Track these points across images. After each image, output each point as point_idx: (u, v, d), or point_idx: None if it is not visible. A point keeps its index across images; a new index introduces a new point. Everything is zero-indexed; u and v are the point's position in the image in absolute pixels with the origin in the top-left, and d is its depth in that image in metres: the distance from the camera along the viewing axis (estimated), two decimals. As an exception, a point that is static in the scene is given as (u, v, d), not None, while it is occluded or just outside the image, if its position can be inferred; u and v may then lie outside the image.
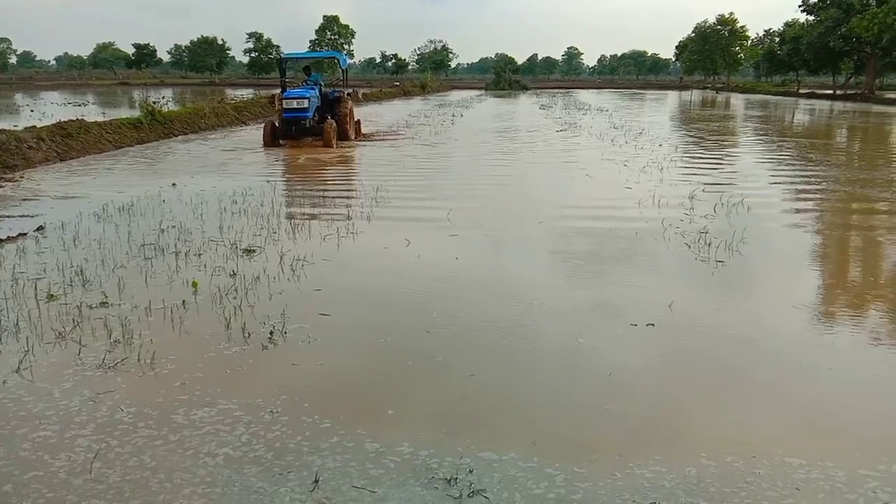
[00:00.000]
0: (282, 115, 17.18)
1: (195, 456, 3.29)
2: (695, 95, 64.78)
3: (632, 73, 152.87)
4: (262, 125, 18.09)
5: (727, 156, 16.09)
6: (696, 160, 14.66)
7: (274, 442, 3.41)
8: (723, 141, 19.68)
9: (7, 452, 3.32)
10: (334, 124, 17.02)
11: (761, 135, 21.75)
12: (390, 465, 3.21)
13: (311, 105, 16.98)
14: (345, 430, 3.51)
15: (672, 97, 60.83)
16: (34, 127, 15.84)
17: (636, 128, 22.17)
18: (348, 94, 18.82)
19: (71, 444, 3.38)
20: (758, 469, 3.17)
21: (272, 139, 17.12)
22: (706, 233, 7.63)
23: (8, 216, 8.74)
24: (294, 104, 16.92)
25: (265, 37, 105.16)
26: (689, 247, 7.14)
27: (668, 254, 6.98)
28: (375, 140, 19.25)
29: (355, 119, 19.40)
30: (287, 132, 17.36)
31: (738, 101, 52.21)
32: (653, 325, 4.96)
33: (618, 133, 20.35)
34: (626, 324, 4.99)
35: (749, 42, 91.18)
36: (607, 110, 34.02)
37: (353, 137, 18.57)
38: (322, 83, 18.79)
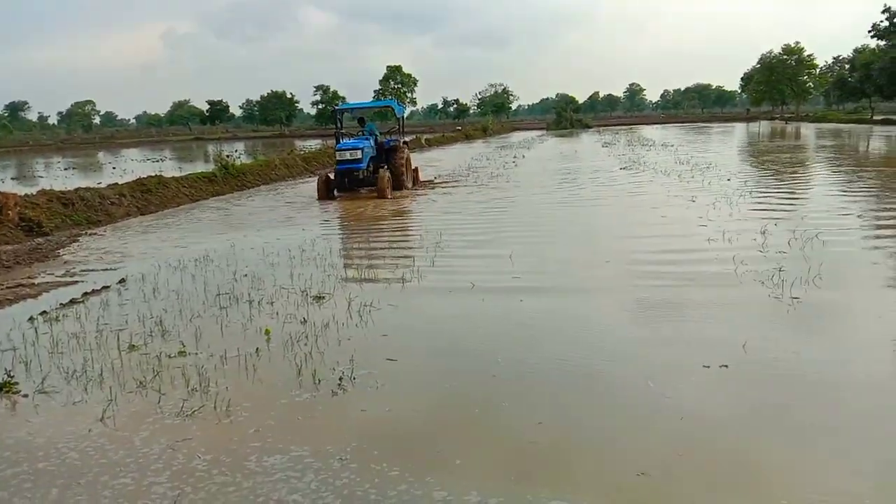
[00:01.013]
0: (336, 168, 17.08)
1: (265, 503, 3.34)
2: (763, 127, 63.29)
3: (696, 106, 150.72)
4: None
5: (799, 188, 15.62)
6: (767, 194, 14.26)
7: (342, 489, 3.44)
8: (794, 173, 19.12)
9: (89, 499, 3.44)
10: (388, 174, 16.61)
11: (835, 165, 21.04)
12: (460, 513, 3.19)
13: (364, 155, 16.70)
14: (413, 478, 3.51)
15: (739, 129, 59.64)
16: (116, 184, 16.74)
17: (703, 162, 21.78)
18: (405, 143, 18.49)
19: (148, 492, 3.49)
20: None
21: (326, 192, 16.85)
22: (781, 270, 7.36)
23: (92, 269, 9.19)
24: (347, 155, 16.72)
25: (331, 88, 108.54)
26: (763, 283, 6.93)
27: (741, 291, 6.78)
28: (435, 187, 18.73)
29: (412, 167, 18.98)
30: (341, 184, 17.08)
31: (808, 130, 50.75)
32: (726, 366, 4.81)
33: (684, 168, 20.03)
34: (699, 365, 4.86)
35: (817, 70, 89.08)
36: (672, 145, 33.59)
37: (409, 186, 18.08)
38: (378, 133, 18.42)
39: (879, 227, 10.42)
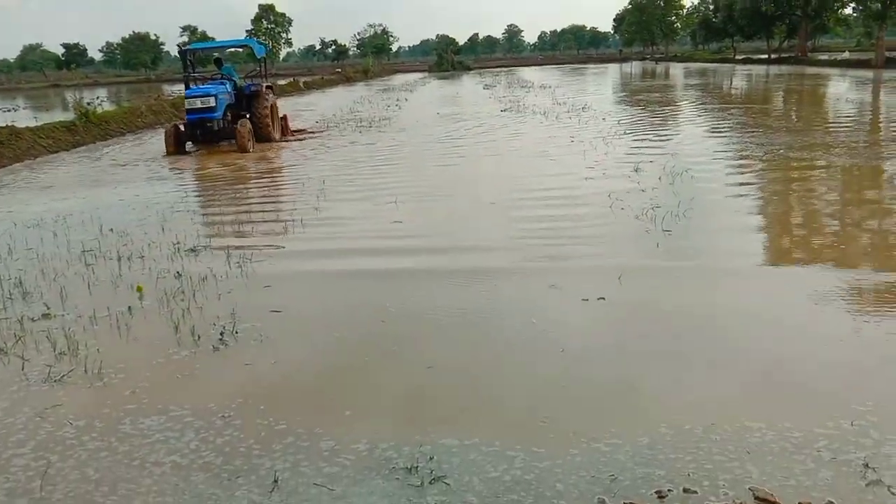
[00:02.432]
0: (186, 118, 14.71)
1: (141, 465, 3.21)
2: (635, 67, 65.59)
3: (572, 48, 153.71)
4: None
5: (669, 127, 16.33)
6: (640, 133, 14.83)
7: (223, 447, 3.34)
8: (664, 112, 19.97)
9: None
10: (249, 125, 14.64)
11: (701, 104, 22.12)
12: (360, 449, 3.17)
13: (219, 103, 14.41)
14: (302, 429, 3.46)
15: (613, 70, 61.49)
16: (-40, 135, 15.20)
17: (579, 103, 22.34)
18: (268, 87, 16.43)
19: (8, 465, 3.26)
20: (714, 435, 3.22)
21: (176, 145, 14.59)
22: (654, 207, 7.68)
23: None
24: (198, 103, 14.36)
25: (199, 30, 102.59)
26: (637, 218, 7.23)
27: (617, 225, 7.06)
28: (306, 138, 16.89)
29: (279, 115, 16.93)
30: (194, 137, 14.80)
31: (677, 70, 53.07)
32: (603, 299, 5.00)
33: (562, 109, 20.46)
34: (578, 300, 5.02)
35: (684, 11, 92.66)
36: (550, 87, 34.18)
37: (276, 138, 15.99)
38: (236, 77, 16.10)
39: (741, 160, 11.07)
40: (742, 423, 3.30)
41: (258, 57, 17.00)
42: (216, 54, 19.44)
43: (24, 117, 26.32)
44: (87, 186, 11.35)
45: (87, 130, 18.60)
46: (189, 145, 15.08)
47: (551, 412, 3.53)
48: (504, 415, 3.55)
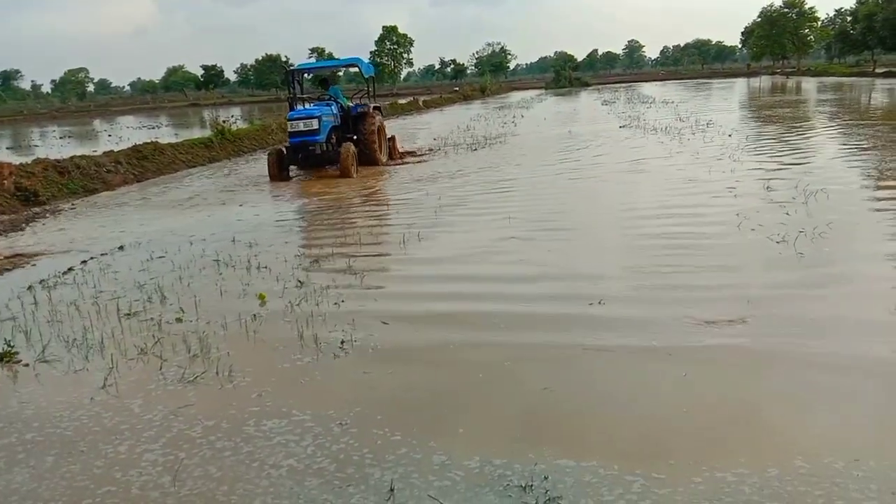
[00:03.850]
0: (289, 141, 13.94)
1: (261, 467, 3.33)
2: (763, 82, 62.63)
3: (696, 62, 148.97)
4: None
5: (800, 144, 15.44)
6: (769, 149, 14.11)
7: (338, 454, 3.42)
8: (795, 128, 18.92)
9: (82, 468, 3.42)
10: (353, 148, 13.76)
11: (836, 120, 20.80)
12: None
13: (322, 126, 13.64)
14: (416, 442, 3.49)
15: (740, 85, 59.00)
16: (112, 151, 16.58)
17: (704, 119, 21.55)
18: (375, 108, 15.51)
19: (140, 459, 3.47)
20: (856, 472, 2.98)
21: (279, 171, 13.83)
22: (785, 224, 7.29)
23: (90, 237, 9.12)
24: (300, 126, 13.61)
25: (326, 51, 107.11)
26: (770, 238, 6.86)
27: (747, 247, 6.72)
28: (415, 159, 16.19)
29: (387, 136, 16.07)
30: (296, 161, 14.04)
31: (809, 84, 50.18)
32: (733, 321, 4.76)
33: (685, 125, 19.81)
34: (703, 321, 4.81)
35: (819, 23, 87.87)
36: (672, 102, 33.21)
37: (383, 161, 15.22)
38: (343, 98, 15.38)
39: (882, 181, 10.28)
40: (892, 461, 3.05)
41: (366, 76, 16.35)
42: (323, 74, 19.35)
43: (166, 134, 28.40)
44: (210, 204, 11.67)
45: (223, 147, 19.80)
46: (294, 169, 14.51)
47: (673, 438, 3.39)
48: (622, 439, 3.43)
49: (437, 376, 4.34)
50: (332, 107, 14.49)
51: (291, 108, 14.61)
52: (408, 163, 15.81)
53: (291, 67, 16.24)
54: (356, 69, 17.55)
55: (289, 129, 13.85)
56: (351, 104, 15.18)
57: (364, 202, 11.30)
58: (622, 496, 2.92)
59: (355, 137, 14.52)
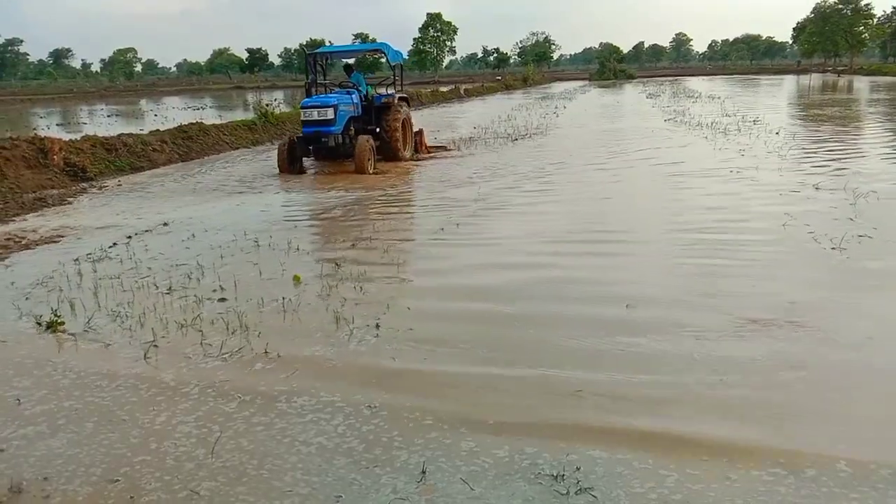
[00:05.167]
0: (302, 131, 12.85)
1: (291, 443, 3.37)
2: (814, 80, 61.00)
3: (745, 58, 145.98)
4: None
5: (851, 143, 15.05)
6: (817, 148, 13.78)
7: (367, 435, 3.44)
8: (845, 127, 18.43)
9: (121, 438, 3.52)
10: (371, 142, 12.55)
11: (889, 120, 20.20)
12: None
13: (339, 116, 12.45)
14: (447, 426, 3.50)
15: (789, 82, 57.68)
16: (158, 130, 16.91)
17: (750, 116, 21.11)
18: (402, 99, 14.21)
19: (174, 431, 3.55)
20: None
21: (290, 162, 12.76)
22: (832, 221, 7.13)
23: (137, 210, 9.32)
24: (314, 115, 12.39)
25: (370, 36, 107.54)
26: (815, 239, 6.71)
27: (791, 246, 6.58)
28: (444, 154, 14.97)
29: (413, 129, 14.63)
30: (307, 153, 12.92)
31: (862, 83, 48.79)
32: (774, 324, 4.67)
33: (731, 121, 19.44)
34: (742, 319, 4.73)
35: (874, 21, 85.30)
36: (718, 98, 32.60)
37: (406, 156, 13.89)
38: (365, 86, 14.07)
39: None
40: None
41: (392, 63, 14.80)
42: (347, 60, 18.20)
43: (210, 115, 28.80)
44: (238, 192, 11.12)
45: (266, 129, 20.00)
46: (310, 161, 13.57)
47: (710, 434, 3.35)
48: (655, 432, 3.40)
49: (470, 364, 4.35)
50: (353, 95, 13.29)
51: (308, 95, 13.36)
52: (435, 158, 14.49)
53: (313, 51, 14.88)
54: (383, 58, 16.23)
55: (302, 118, 12.78)
56: (375, 93, 13.96)
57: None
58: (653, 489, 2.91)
59: (377, 130, 13.40)
